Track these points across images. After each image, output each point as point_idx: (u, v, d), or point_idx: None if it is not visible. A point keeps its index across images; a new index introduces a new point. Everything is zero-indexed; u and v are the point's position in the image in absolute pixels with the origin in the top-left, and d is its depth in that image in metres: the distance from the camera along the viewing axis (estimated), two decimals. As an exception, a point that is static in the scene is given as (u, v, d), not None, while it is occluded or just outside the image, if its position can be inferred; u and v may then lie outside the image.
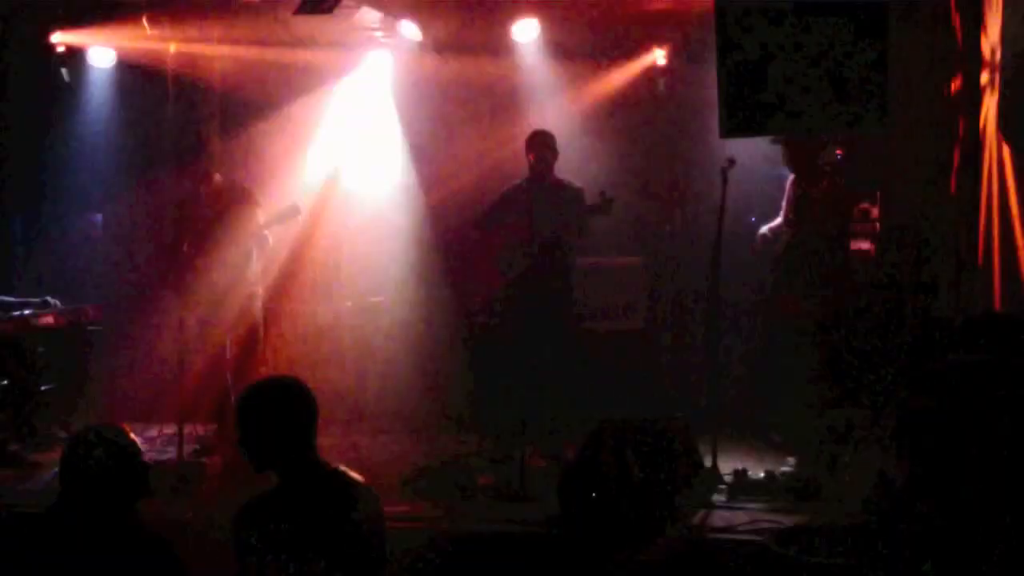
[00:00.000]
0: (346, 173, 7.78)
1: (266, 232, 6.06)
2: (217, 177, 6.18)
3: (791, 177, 5.86)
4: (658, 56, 7.31)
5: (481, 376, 6.61)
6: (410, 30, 7.26)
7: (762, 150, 6.25)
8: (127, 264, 7.77)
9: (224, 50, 7.60)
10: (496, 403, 6.09)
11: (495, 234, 6.13)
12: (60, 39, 7.43)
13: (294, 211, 5.91)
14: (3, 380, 6.34)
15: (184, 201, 6.23)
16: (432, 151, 7.73)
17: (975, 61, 5.18)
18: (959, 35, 5.32)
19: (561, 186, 6.03)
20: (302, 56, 7.67)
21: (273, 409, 2.99)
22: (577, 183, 6.10)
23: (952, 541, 2.31)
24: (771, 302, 5.93)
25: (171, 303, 6.06)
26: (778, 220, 5.94)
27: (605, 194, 5.69)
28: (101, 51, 7.57)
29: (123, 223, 7.96)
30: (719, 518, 4.69)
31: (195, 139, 6.42)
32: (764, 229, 6.01)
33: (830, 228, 5.61)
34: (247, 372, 6.03)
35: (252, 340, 6.15)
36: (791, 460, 5.69)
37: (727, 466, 5.40)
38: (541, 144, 5.99)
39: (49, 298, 6.69)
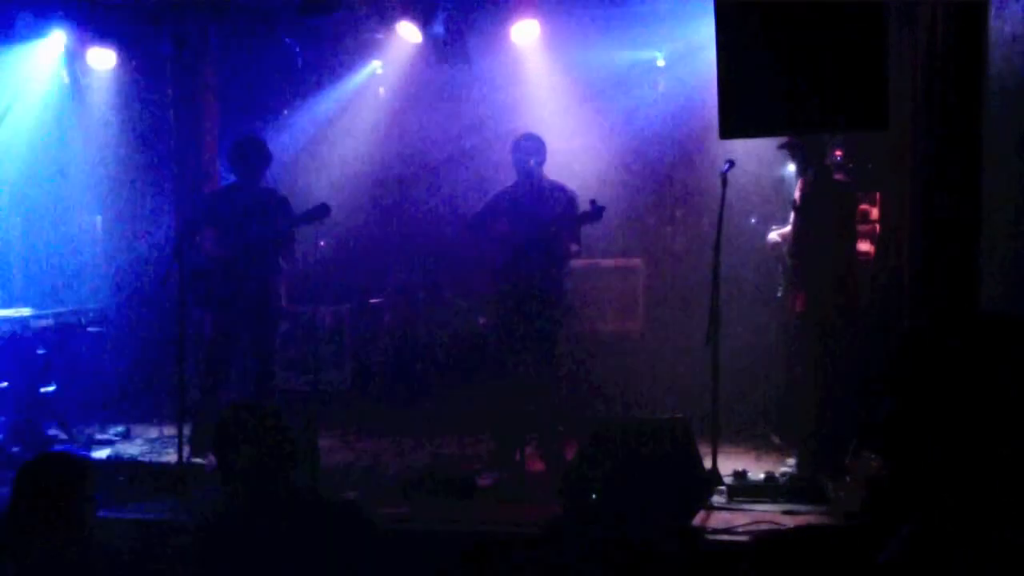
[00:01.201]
0: (344, 175, 7.78)
1: (294, 231, 6.02)
2: (259, 188, 6.18)
3: (800, 182, 5.84)
4: (658, 56, 7.30)
5: (479, 377, 6.60)
6: (409, 31, 7.26)
7: (762, 151, 6.26)
8: (127, 265, 7.78)
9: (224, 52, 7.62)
10: (495, 404, 6.08)
11: (486, 236, 6.10)
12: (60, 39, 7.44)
13: (324, 211, 5.84)
14: (3, 382, 6.34)
15: (214, 200, 6.22)
16: (430, 152, 7.74)
17: (975, 60, 5.18)
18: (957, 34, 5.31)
19: (553, 189, 5.99)
20: (302, 59, 7.69)
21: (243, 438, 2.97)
22: (570, 187, 6.04)
23: (950, 541, 2.31)
24: (781, 302, 5.91)
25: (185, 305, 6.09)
26: (788, 227, 5.91)
27: (595, 202, 5.64)
28: (101, 52, 7.56)
29: (123, 224, 7.97)
30: (719, 519, 4.68)
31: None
32: (774, 234, 5.97)
33: (836, 228, 5.58)
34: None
35: (268, 344, 6.16)
36: (791, 461, 5.69)
37: (727, 467, 5.41)
38: (527, 149, 5.95)
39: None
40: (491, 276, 6.06)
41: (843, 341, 5.54)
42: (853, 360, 5.78)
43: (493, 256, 6.03)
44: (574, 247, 5.94)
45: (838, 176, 5.74)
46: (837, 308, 5.54)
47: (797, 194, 5.84)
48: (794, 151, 5.69)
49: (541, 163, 5.96)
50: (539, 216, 5.79)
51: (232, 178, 6.32)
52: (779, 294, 5.94)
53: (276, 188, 6.37)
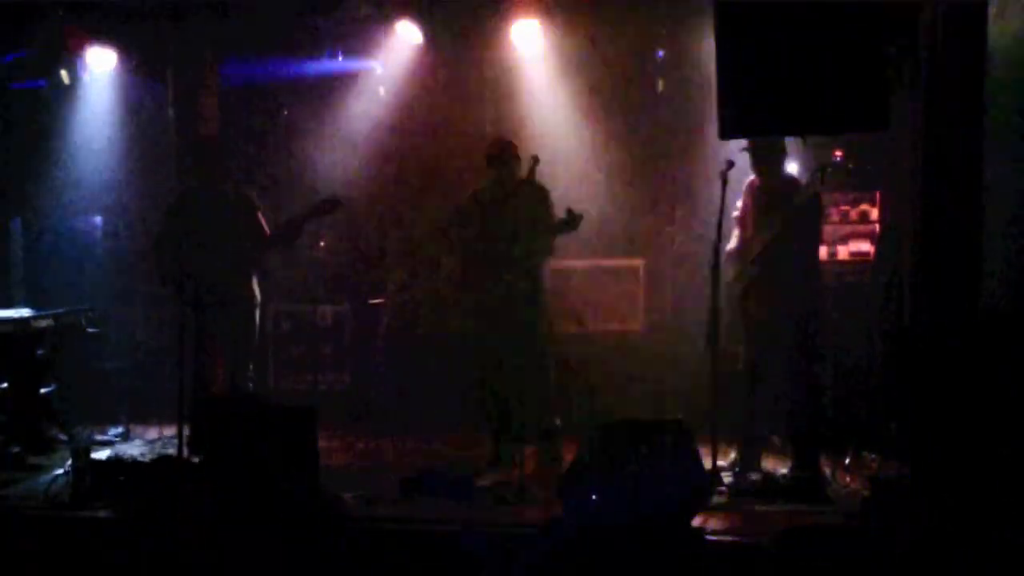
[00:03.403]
0: (344, 174, 7.78)
1: (263, 236, 6.03)
2: (225, 187, 6.17)
3: (748, 185, 5.77)
4: (658, 56, 7.31)
5: (476, 377, 6.60)
6: (409, 31, 7.27)
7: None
8: (127, 265, 7.78)
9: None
10: (493, 404, 6.09)
11: (457, 238, 6.08)
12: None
13: (333, 204, 5.83)
14: (3, 382, 6.34)
15: (187, 204, 6.19)
16: (431, 152, 7.74)
17: (975, 60, 5.18)
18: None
19: (526, 185, 5.92)
20: (302, 59, 7.70)
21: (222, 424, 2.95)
22: (540, 182, 5.92)
23: (950, 541, 2.31)
24: (742, 308, 5.76)
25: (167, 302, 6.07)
26: (733, 243, 5.79)
27: (572, 210, 5.61)
28: (101, 52, 7.57)
29: (123, 224, 7.98)
30: (719, 519, 4.68)
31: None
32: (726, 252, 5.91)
33: (802, 234, 5.56)
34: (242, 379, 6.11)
35: (247, 346, 6.16)
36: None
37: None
38: (506, 158, 5.92)
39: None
40: (465, 279, 6.05)
41: (810, 346, 5.54)
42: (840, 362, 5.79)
43: (464, 259, 6.02)
44: (547, 246, 5.89)
45: (797, 180, 5.68)
46: (803, 314, 5.54)
47: (746, 200, 5.76)
48: (757, 155, 5.58)
49: (515, 165, 5.89)
50: (511, 217, 5.76)
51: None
52: (738, 299, 5.83)
53: (241, 189, 6.31)
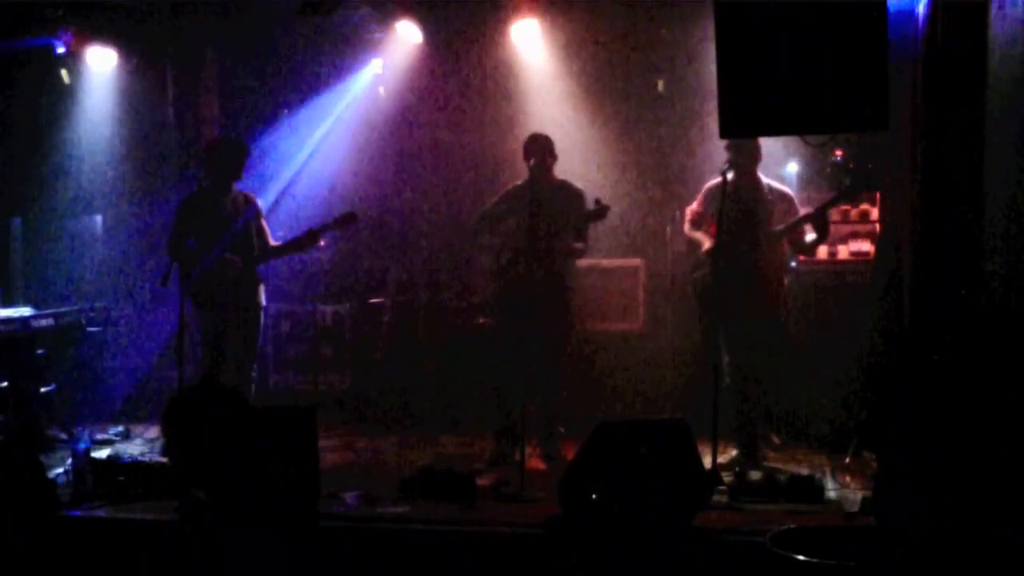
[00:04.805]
0: (345, 174, 7.79)
1: (321, 240, 6.08)
2: (235, 189, 6.17)
3: (712, 188, 5.76)
4: (658, 56, 7.31)
5: (481, 376, 6.61)
6: (409, 31, 7.27)
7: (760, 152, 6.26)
8: (127, 265, 7.79)
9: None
10: (495, 403, 6.09)
11: (494, 234, 6.11)
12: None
13: (351, 218, 5.94)
14: (3, 382, 6.34)
15: (199, 204, 6.18)
16: (431, 152, 7.74)
17: (975, 60, 5.17)
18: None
19: (561, 187, 6.01)
20: (301, 59, 7.70)
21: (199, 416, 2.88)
22: (577, 185, 6.06)
23: (950, 541, 2.31)
24: (713, 309, 5.72)
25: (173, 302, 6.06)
26: (707, 244, 5.74)
27: (600, 201, 5.66)
28: (101, 52, 7.57)
29: (123, 224, 7.98)
30: (719, 519, 4.68)
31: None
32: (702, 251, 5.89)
33: (776, 232, 5.60)
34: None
35: (252, 349, 6.18)
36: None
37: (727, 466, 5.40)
38: (540, 148, 5.95)
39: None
40: (496, 274, 6.07)
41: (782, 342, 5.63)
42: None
43: (498, 253, 6.04)
44: (579, 245, 5.94)
45: (787, 192, 5.74)
46: (774, 311, 5.54)
47: (707, 201, 5.78)
48: (738, 152, 5.54)
49: (549, 163, 5.96)
50: (545, 214, 5.80)
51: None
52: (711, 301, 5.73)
53: (250, 193, 6.29)
